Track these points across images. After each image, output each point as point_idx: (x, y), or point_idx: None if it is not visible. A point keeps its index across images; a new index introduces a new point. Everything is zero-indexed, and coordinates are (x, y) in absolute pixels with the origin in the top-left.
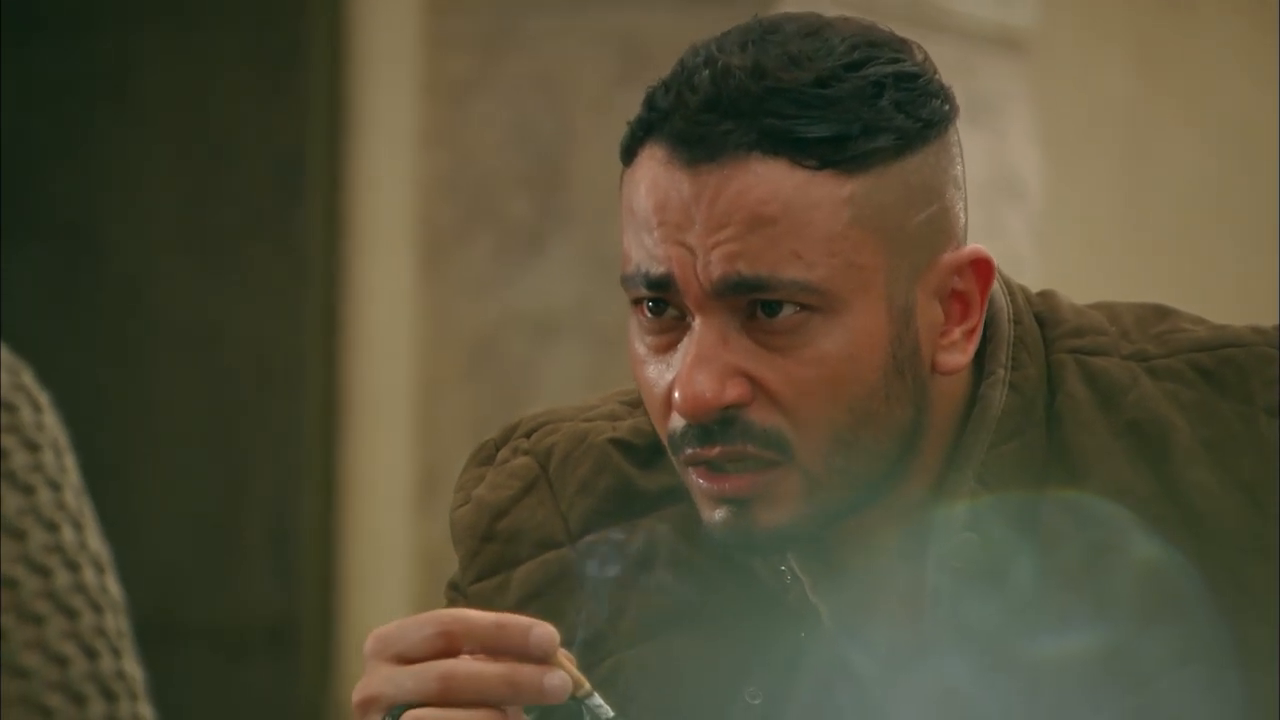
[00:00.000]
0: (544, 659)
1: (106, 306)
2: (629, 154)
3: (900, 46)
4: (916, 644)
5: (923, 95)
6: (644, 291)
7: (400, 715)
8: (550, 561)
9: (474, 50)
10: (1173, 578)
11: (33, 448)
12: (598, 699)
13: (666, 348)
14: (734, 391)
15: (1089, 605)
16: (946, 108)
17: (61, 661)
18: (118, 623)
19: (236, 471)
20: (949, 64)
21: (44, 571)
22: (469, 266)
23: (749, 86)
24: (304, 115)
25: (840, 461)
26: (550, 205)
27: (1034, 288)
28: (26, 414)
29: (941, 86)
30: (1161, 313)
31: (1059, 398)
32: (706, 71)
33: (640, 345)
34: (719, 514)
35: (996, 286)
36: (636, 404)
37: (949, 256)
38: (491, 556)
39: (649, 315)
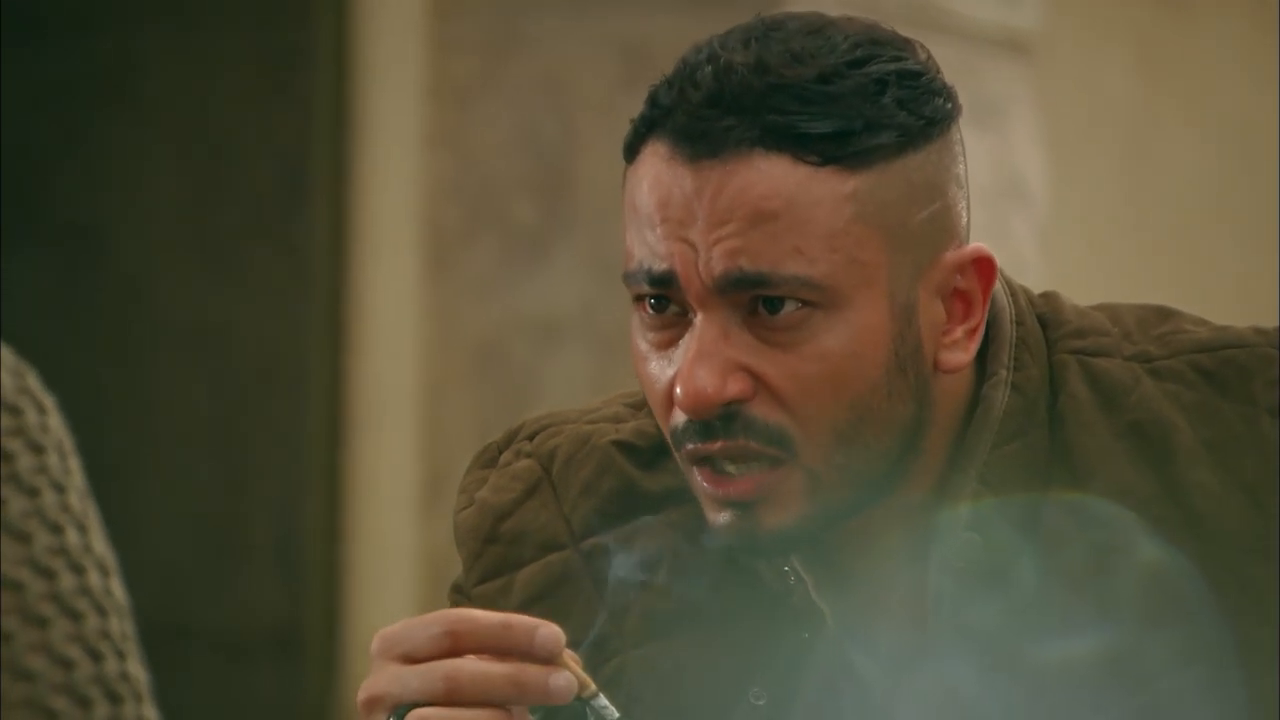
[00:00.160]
0: (549, 659)
1: (109, 308)
2: (631, 151)
3: (903, 45)
4: (919, 645)
5: (925, 93)
6: (646, 288)
7: (405, 715)
8: (554, 563)
9: (478, 53)
10: (1175, 579)
11: (38, 450)
12: (603, 700)
13: (668, 344)
14: (735, 387)
15: (1091, 606)
16: (949, 106)
17: (66, 664)
18: (122, 626)
19: (241, 474)
20: (952, 67)
21: (49, 574)
22: (473, 269)
23: (752, 82)
24: (308, 117)
25: (842, 458)
26: (554, 208)
27: (1038, 289)
28: (31, 417)
29: (944, 85)
30: (1163, 314)
31: (1061, 399)
32: (709, 68)
33: (642, 341)
34: (723, 517)
35: (998, 287)
36: (639, 406)
37: (951, 255)
38: (495, 559)
39: (651, 312)
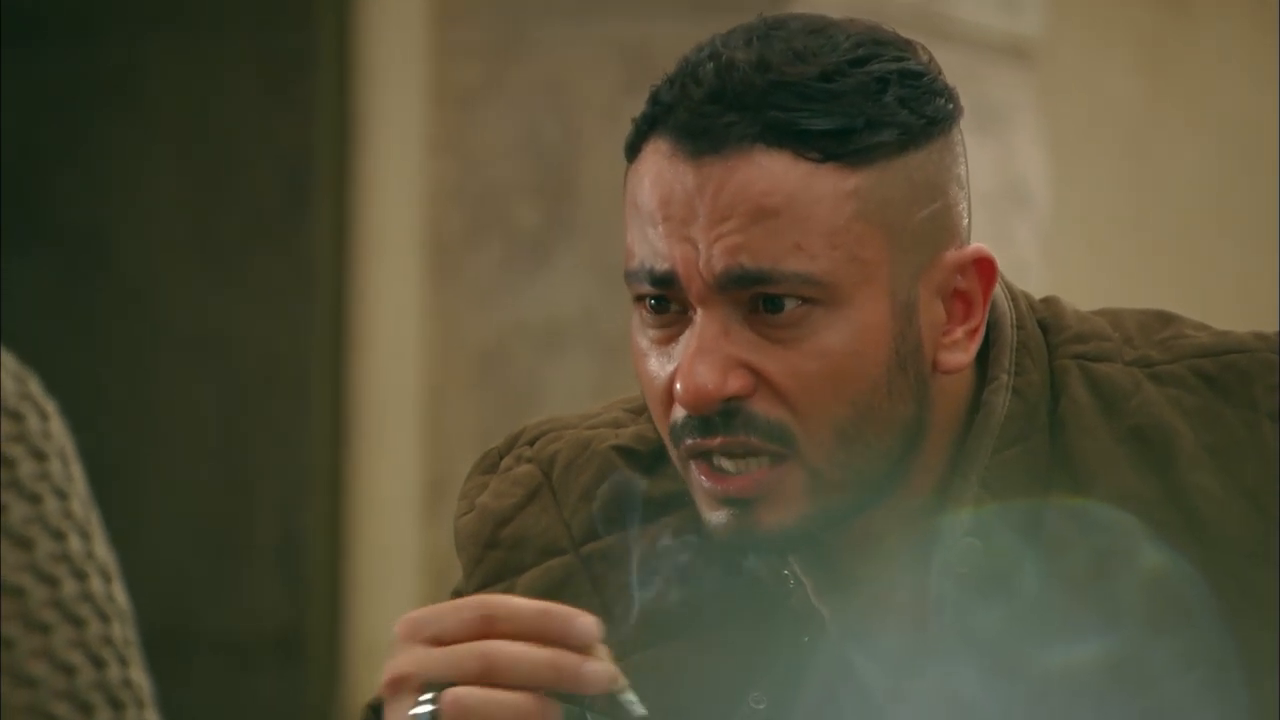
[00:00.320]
0: (585, 649)
1: (111, 314)
2: (633, 149)
3: (905, 46)
4: (921, 649)
5: (927, 93)
6: (648, 288)
7: (437, 697)
8: (554, 568)
9: (481, 57)
10: (1176, 584)
11: (39, 456)
12: (631, 695)
13: (668, 341)
14: (736, 383)
15: (1093, 611)
16: (950, 106)
17: (68, 670)
18: (125, 631)
19: (243, 479)
20: (956, 72)
21: (51, 580)
22: (476, 273)
23: (753, 79)
24: (310, 121)
25: (844, 456)
26: (558, 214)
27: (1040, 294)
28: (33, 422)
29: (945, 85)
30: (1165, 319)
31: (1062, 403)
32: (711, 65)
33: (642, 339)
34: (721, 515)
35: (999, 292)
36: (640, 411)
37: (952, 255)
38: (495, 564)
39: (652, 309)
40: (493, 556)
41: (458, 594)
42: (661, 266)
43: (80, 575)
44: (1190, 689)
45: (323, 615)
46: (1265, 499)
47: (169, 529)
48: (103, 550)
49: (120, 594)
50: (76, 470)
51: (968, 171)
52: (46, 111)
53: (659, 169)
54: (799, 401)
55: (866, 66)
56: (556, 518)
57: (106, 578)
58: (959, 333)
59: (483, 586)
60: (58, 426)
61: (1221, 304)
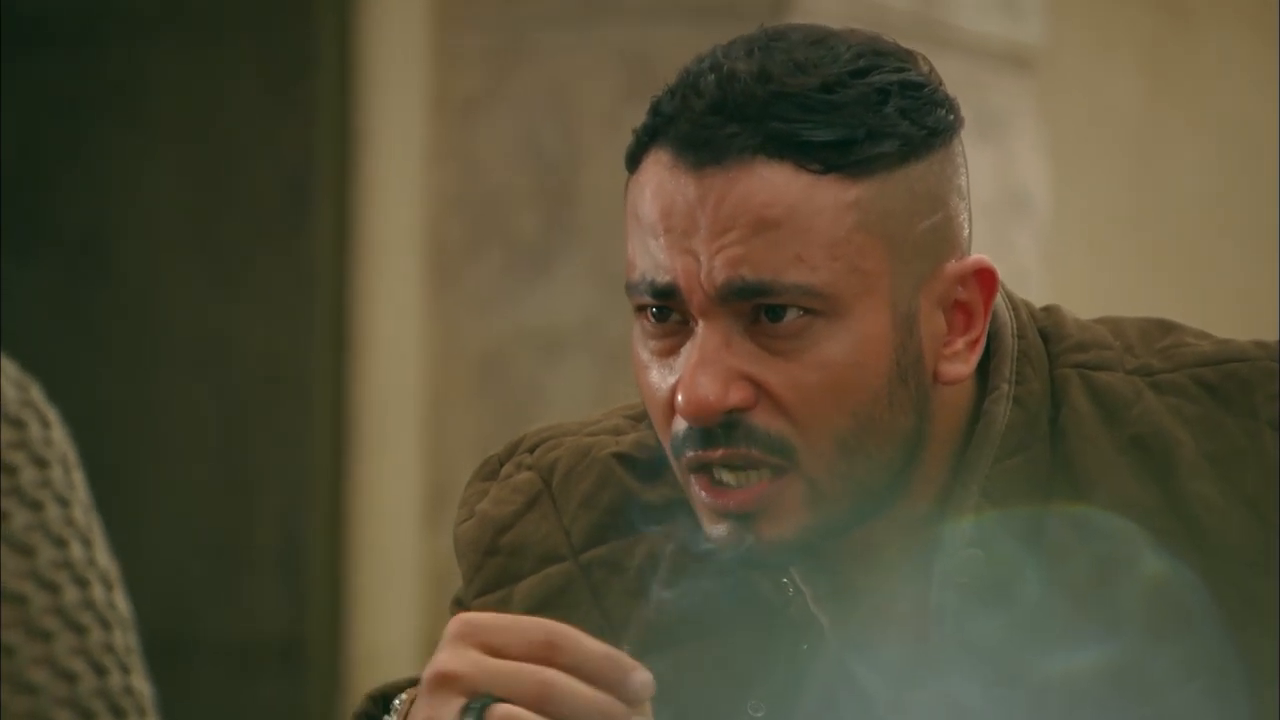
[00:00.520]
0: (636, 702)
1: (114, 320)
2: (634, 160)
3: (905, 57)
4: (922, 660)
5: (928, 104)
6: (649, 300)
7: (484, 707)
8: (553, 575)
9: (482, 65)
10: (1178, 592)
11: (41, 464)
12: None
13: (670, 352)
14: (737, 395)
15: (1095, 620)
16: (951, 117)
17: (70, 678)
18: (126, 639)
19: (245, 486)
20: (957, 81)
21: (52, 587)
22: (477, 281)
23: (754, 91)
24: (312, 129)
25: (845, 468)
26: (559, 221)
27: (1041, 301)
28: (35, 430)
29: (946, 96)
30: (1165, 327)
31: (1063, 412)
32: (712, 76)
33: (644, 350)
34: (721, 528)
35: (1000, 301)
36: (640, 418)
37: (953, 266)
38: (495, 571)
39: (653, 321)
40: (492, 563)
41: (458, 601)
42: (663, 278)
43: (82, 582)
44: (1191, 698)
45: (323, 621)
46: (1266, 507)
47: (169, 534)
48: (104, 558)
49: (122, 601)
50: (78, 477)
51: (968, 182)
52: (48, 115)
53: (660, 180)
54: (800, 413)
55: (868, 77)
56: (556, 525)
57: (108, 585)
58: (960, 344)
59: (482, 593)
60: (59, 434)
61: (1222, 309)
